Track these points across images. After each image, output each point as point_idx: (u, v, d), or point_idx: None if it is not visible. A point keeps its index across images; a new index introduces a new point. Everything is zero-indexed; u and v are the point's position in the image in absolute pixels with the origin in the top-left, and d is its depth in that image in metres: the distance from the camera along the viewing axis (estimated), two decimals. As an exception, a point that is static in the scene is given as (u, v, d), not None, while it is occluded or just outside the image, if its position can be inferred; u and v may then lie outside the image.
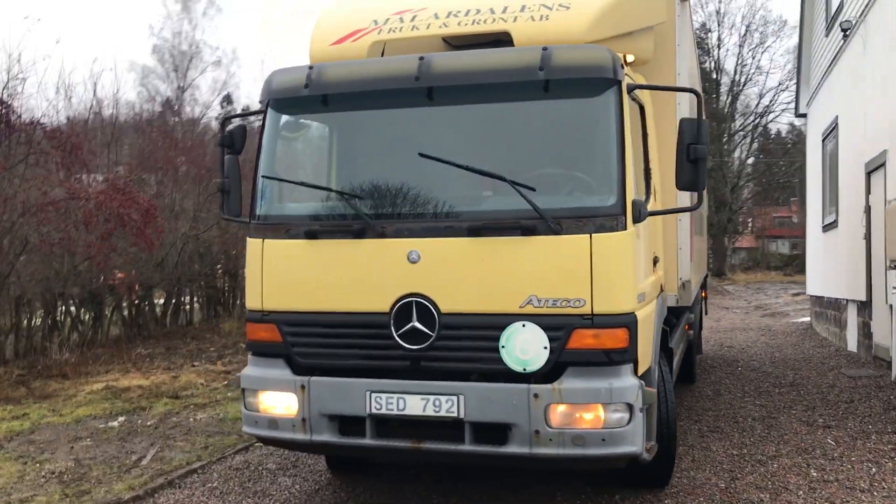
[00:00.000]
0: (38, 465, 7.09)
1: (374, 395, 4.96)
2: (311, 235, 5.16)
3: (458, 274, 4.87)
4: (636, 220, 4.82)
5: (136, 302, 17.18)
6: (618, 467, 5.03)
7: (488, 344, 4.79)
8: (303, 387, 5.11)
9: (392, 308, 4.95)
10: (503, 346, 4.75)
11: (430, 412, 4.87)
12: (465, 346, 4.87)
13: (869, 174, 11.38)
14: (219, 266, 19.98)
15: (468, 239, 4.85)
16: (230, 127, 5.63)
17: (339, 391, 5.05)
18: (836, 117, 13.94)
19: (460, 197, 5.08)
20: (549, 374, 4.73)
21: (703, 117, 4.77)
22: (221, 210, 5.69)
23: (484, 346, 4.81)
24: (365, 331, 5.05)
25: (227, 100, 39.74)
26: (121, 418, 8.98)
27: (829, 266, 14.82)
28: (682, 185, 4.92)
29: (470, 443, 4.83)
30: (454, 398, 4.82)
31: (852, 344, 12.77)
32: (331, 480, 6.36)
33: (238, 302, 20.12)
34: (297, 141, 5.86)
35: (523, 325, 4.73)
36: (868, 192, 11.45)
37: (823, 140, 15.52)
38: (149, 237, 13.66)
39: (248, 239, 5.41)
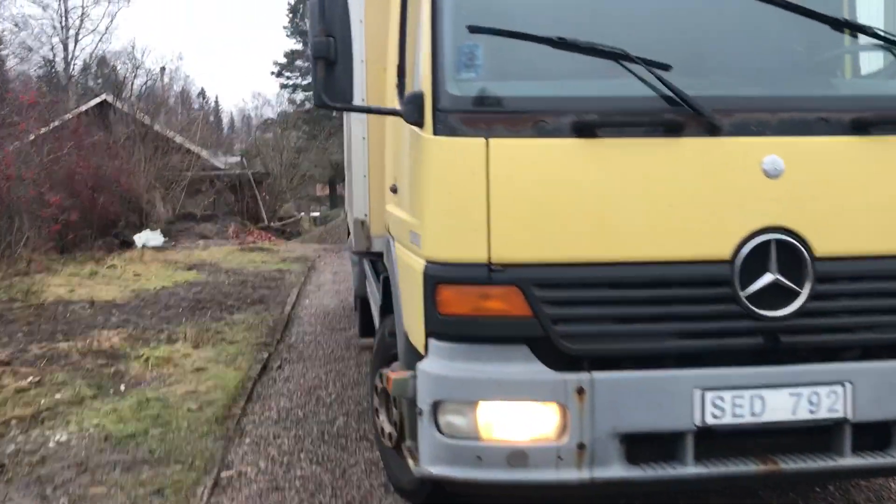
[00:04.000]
0: None
1: (709, 394, 3.03)
2: (586, 131, 3.01)
3: (840, 194, 3.13)
4: None
5: None
6: None
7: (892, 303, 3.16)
8: (579, 390, 2.98)
9: (736, 252, 3.04)
10: None
11: (802, 415, 3.08)
12: (854, 307, 3.17)
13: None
14: None
15: (853, 139, 3.12)
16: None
17: (650, 392, 3.02)
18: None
19: (823, 73, 3.31)
20: None
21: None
22: (321, 96, 3.18)
23: (886, 307, 3.17)
24: (689, 291, 3.07)
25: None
26: None
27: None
28: None
29: (851, 453, 3.15)
30: (838, 389, 3.09)
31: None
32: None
33: None
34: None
35: None
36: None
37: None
38: None
39: (434, 139, 3.03)
